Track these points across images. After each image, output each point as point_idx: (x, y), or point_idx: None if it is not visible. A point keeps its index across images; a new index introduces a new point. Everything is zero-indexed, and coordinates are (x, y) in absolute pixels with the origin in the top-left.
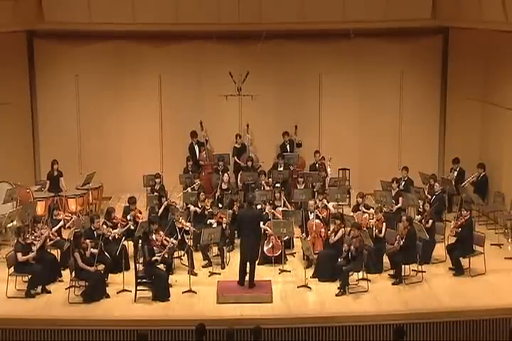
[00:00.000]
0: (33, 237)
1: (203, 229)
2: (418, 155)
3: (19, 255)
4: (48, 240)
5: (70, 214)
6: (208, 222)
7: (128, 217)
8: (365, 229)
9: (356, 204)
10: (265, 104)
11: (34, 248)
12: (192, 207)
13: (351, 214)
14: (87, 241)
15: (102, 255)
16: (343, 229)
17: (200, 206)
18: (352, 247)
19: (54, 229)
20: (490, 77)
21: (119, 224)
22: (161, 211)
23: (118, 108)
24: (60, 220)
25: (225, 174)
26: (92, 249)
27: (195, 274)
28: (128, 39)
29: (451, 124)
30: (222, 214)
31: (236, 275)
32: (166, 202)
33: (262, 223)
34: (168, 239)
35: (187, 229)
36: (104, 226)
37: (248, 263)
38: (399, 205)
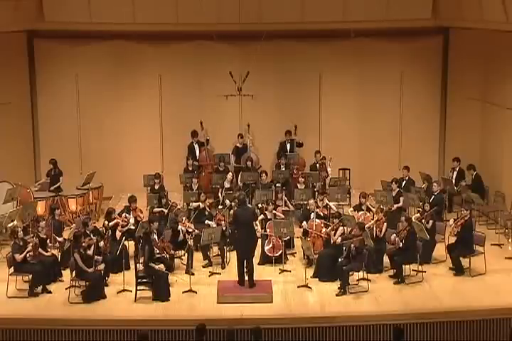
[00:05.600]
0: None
1: (203, 229)
2: (418, 155)
3: (16, 256)
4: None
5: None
6: (206, 223)
7: (124, 215)
8: (366, 229)
9: (358, 204)
10: (265, 103)
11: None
12: (193, 204)
13: (351, 212)
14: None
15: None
16: (342, 228)
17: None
18: (352, 246)
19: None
20: (490, 77)
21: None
22: (158, 210)
23: (118, 108)
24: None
25: (229, 173)
26: (97, 257)
27: (192, 274)
28: (128, 39)
29: (452, 124)
30: (221, 215)
31: (236, 275)
32: (169, 204)
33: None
34: (170, 245)
35: (190, 230)
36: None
37: (246, 262)
38: (399, 204)
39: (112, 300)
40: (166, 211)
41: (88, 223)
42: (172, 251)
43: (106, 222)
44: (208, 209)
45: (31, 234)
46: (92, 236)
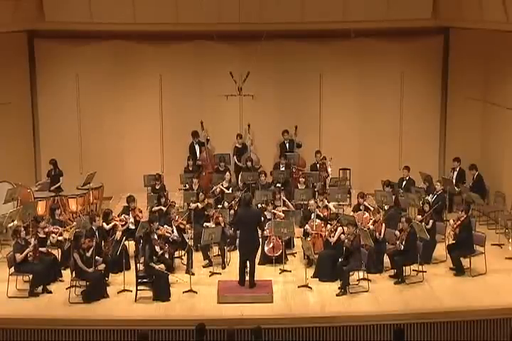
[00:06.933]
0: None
1: (203, 229)
2: (418, 155)
3: (17, 255)
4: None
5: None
6: (205, 225)
7: (124, 216)
8: (365, 229)
9: (357, 204)
10: (266, 103)
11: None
12: (192, 204)
13: (351, 213)
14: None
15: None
16: (340, 228)
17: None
18: (346, 241)
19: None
20: (490, 77)
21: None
22: (157, 208)
23: (118, 108)
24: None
25: (227, 173)
26: (97, 257)
27: (193, 274)
28: (128, 39)
29: (452, 124)
30: (219, 214)
31: (237, 275)
32: (167, 202)
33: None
34: (170, 231)
35: (182, 227)
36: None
37: (248, 263)
38: (391, 204)
39: (112, 300)
40: (164, 209)
41: (95, 218)
42: (173, 236)
43: (104, 224)
44: (205, 209)
45: (30, 235)
46: (97, 233)
